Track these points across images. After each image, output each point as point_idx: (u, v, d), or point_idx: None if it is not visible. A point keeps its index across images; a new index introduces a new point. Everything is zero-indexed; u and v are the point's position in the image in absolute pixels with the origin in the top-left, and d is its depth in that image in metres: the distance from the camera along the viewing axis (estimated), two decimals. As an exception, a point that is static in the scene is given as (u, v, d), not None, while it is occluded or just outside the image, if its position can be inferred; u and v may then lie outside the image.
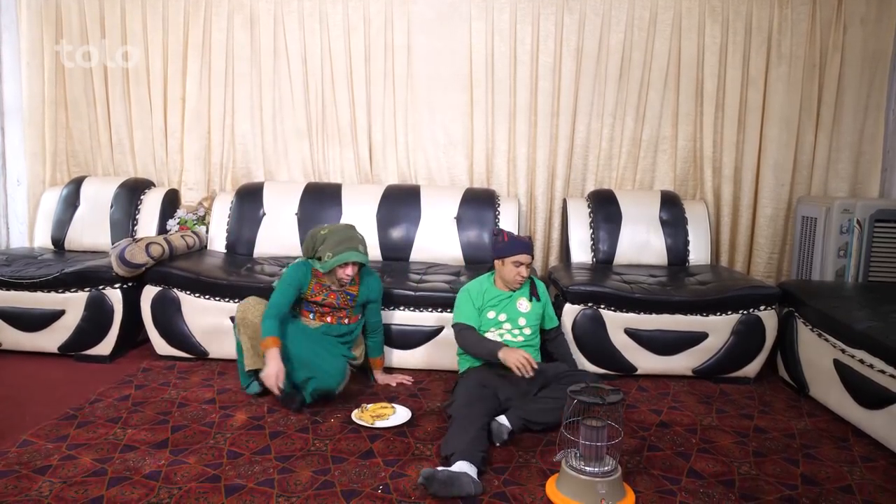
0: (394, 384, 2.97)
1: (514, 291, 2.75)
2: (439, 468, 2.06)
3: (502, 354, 2.50)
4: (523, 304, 2.73)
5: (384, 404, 2.67)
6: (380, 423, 2.52)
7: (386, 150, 4.04)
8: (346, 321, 2.82)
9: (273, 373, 2.53)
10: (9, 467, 2.15)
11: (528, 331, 2.72)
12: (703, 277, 3.32)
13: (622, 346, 3.09)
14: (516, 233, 3.62)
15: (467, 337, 2.67)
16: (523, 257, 2.68)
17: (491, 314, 2.72)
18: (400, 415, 2.60)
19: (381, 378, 3.00)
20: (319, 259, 2.71)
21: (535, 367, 2.47)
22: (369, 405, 2.65)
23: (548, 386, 2.53)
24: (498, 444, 2.37)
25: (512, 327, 2.71)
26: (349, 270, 2.68)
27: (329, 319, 2.80)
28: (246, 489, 2.05)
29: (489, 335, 2.70)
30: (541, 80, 3.89)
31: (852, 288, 3.28)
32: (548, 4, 3.82)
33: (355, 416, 2.57)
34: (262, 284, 3.09)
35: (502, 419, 2.42)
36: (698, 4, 3.78)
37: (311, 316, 2.80)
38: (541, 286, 2.84)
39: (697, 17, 3.79)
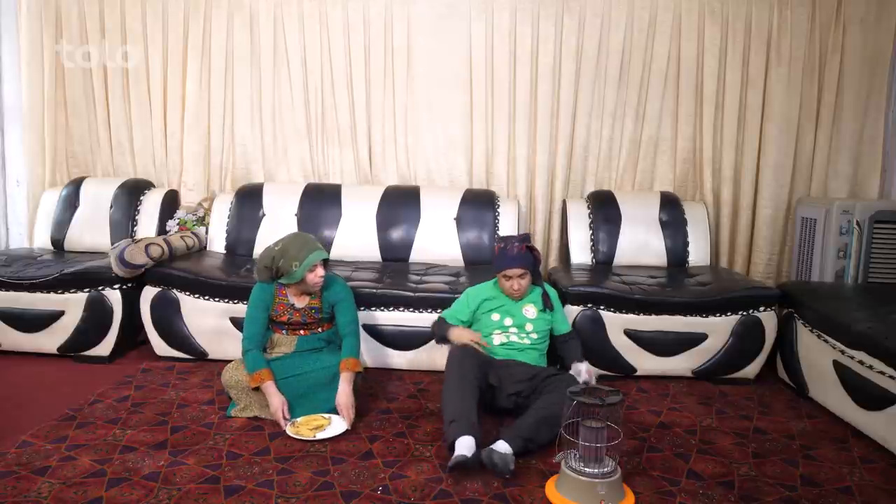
0: (346, 413, 2.50)
1: (518, 300, 2.74)
2: (465, 455, 2.13)
3: (453, 334, 2.64)
4: (530, 311, 2.73)
5: (315, 416, 2.53)
6: (321, 435, 2.41)
7: (385, 151, 4.04)
8: (320, 330, 2.78)
9: (278, 407, 2.48)
10: (8, 468, 2.14)
11: (535, 335, 2.71)
12: (703, 278, 3.32)
13: (622, 347, 3.09)
14: (516, 233, 3.63)
15: (438, 323, 2.82)
16: (510, 271, 2.65)
17: (495, 317, 2.72)
18: (336, 424, 2.48)
19: (342, 390, 2.53)
20: (280, 275, 2.63)
21: (482, 343, 2.61)
22: (299, 419, 2.50)
23: (540, 392, 2.48)
24: (508, 476, 2.13)
25: (519, 332, 2.70)
26: (319, 272, 2.63)
27: (302, 332, 2.76)
28: (245, 490, 2.05)
29: (495, 338, 2.70)
30: (540, 81, 3.89)
31: (852, 289, 3.28)
32: (547, 6, 3.82)
33: (291, 432, 2.42)
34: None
35: (502, 447, 2.18)
36: (698, 6, 3.78)
37: (283, 332, 2.76)
38: (553, 295, 2.82)
39: (697, 18, 3.79)
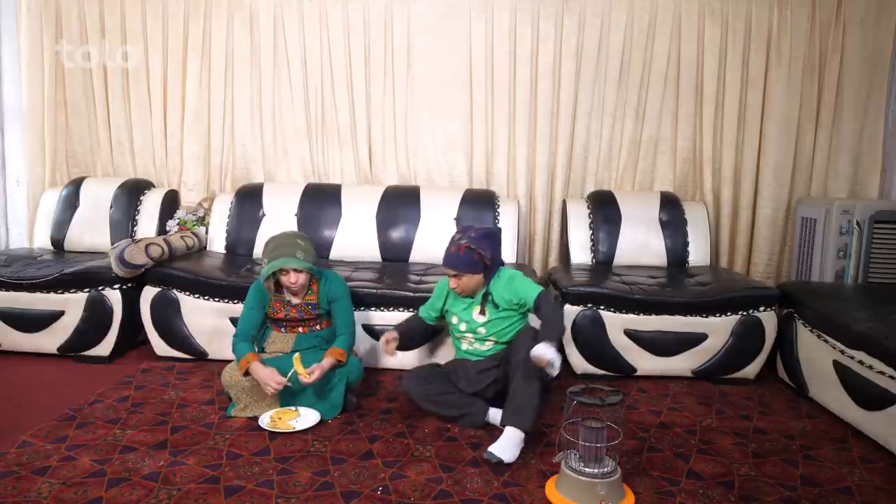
0: (313, 372, 2.53)
1: (470, 298, 2.63)
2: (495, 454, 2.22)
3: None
4: (477, 315, 2.61)
5: (284, 410, 2.57)
6: (300, 426, 2.46)
7: (385, 151, 4.04)
8: (318, 328, 2.78)
9: (266, 378, 2.47)
10: (8, 468, 2.14)
11: (492, 340, 2.60)
12: (703, 278, 3.32)
13: (622, 347, 3.09)
14: (517, 229, 3.69)
15: (406, 322, 2.85)
16: (447, 269, 2.60)
17: (454, 320, 2.68)
18: (306, 415, 2.54)
19: (319, 364, 2.56)
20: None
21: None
22: (268, 414, 2.54)
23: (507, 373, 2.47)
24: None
25: (473, 338, 2.64)
26: (291, 278, 2.61)
27: (301, 329, 2.76)
28: (245, 490, 2.05)
29: (462, 343, 2.67)
30: (540, 81, 3.89)
31: (852, 289, 3.28)
32: (547, 5, 3.82)
33: (268, 426, 2.46)
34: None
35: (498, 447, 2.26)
36: (698, 6, 3.78)
37: (282, 329, 2.76)
38: (495, 289, 2.58)
39: (697, 18, 3.79)
